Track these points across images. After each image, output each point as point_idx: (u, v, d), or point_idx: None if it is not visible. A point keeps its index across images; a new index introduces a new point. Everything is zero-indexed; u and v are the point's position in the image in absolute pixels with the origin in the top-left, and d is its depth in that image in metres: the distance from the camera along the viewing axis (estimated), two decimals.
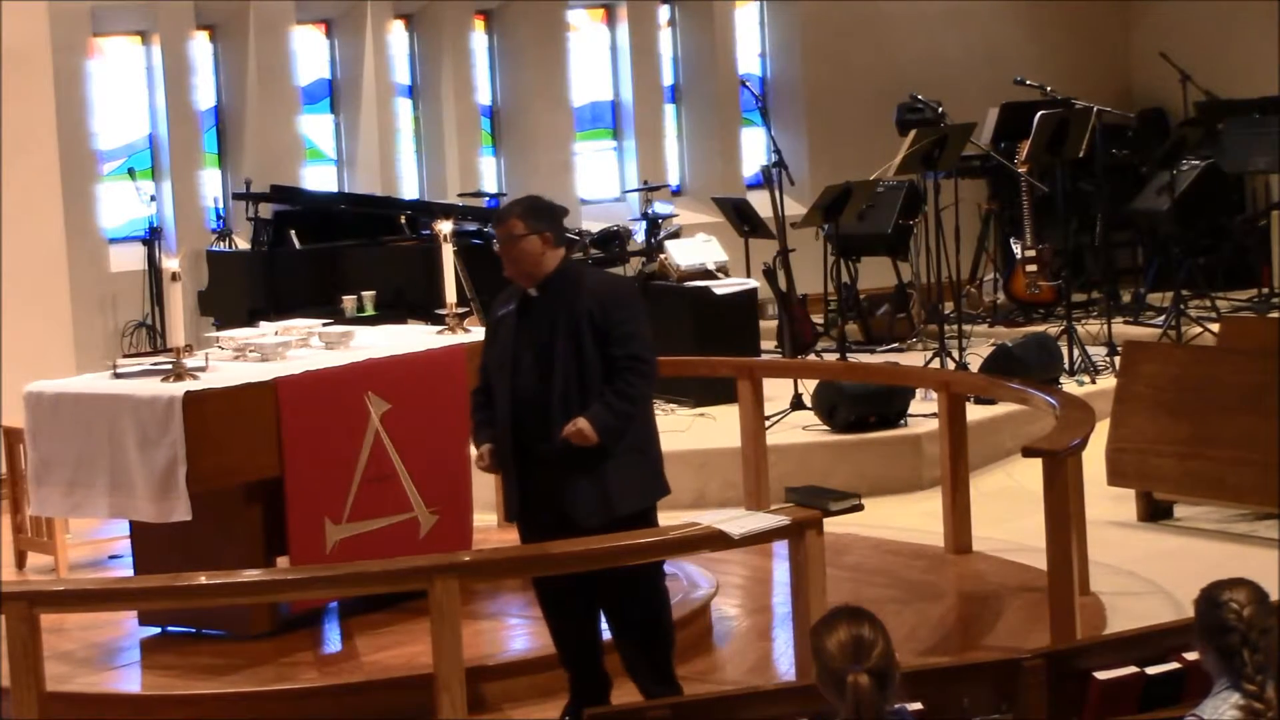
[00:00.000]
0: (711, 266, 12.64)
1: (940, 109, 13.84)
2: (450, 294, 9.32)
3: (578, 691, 7.32)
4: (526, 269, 7.06)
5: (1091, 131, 13.11)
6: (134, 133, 13.85)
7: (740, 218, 13.27)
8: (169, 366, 8.18)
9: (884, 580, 9.33)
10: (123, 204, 13.63)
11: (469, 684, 6.90)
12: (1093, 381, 12.39)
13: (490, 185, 14.87)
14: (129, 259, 13.44)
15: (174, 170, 13.75)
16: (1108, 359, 12.76)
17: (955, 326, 12.78)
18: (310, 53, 14.49)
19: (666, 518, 7.46)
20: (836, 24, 15.99)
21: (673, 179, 15.81)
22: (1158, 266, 14.67)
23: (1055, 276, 14.12)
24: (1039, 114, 13.05)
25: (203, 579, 7.09)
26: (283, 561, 8.26)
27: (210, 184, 14.00)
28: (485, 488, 10.04)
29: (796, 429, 11.41)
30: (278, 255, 12.69)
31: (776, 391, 11.52)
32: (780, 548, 8.77)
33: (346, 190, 14.31)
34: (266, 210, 13.08)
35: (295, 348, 8.85)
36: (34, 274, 12.11)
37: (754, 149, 16.02)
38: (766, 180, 13.49)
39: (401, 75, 14.80)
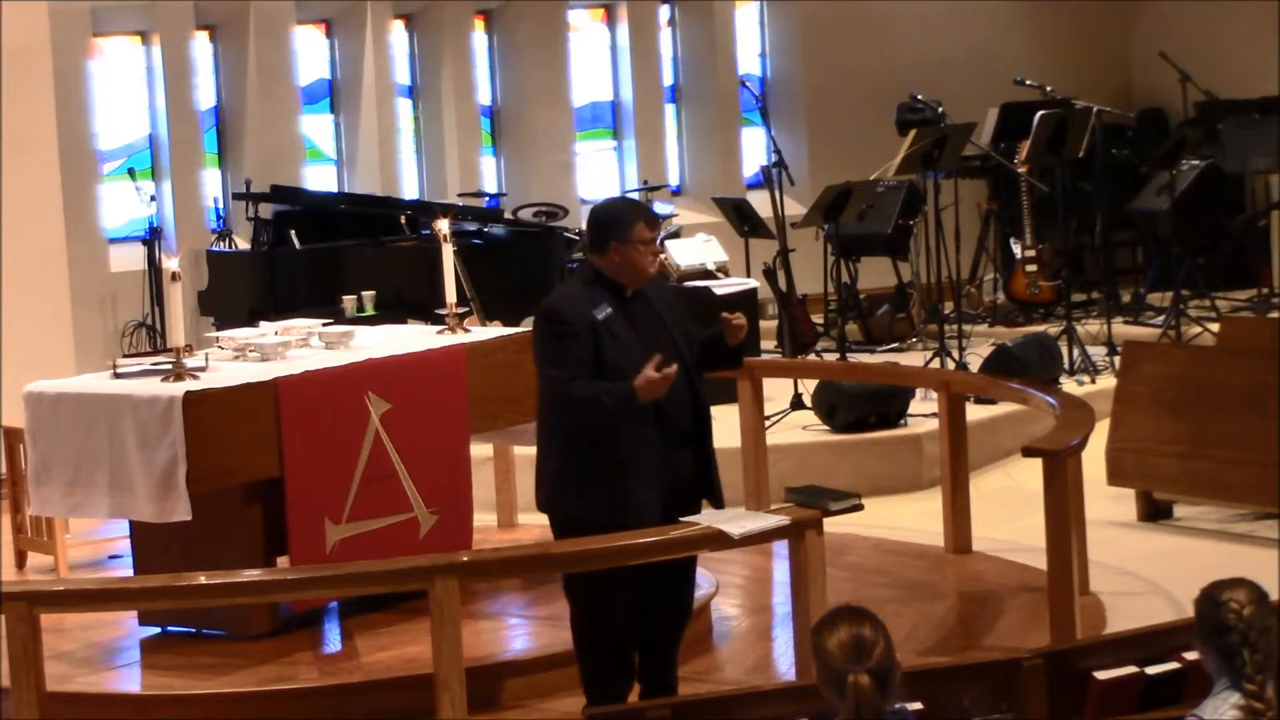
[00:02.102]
0: (711, 266, 12.65)
1: (940, 109, 13.84)
2: (450, 294, 9.32)
3: (612, 686, 7.27)
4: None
5: (1091, 131, 13.12)
6: (134, 133, 13.85)
7: (740, 218, 13.27)
8: (169, 366, 8.18)
9: (884, 580, 9.33)
10: (123, 204, 13.63)
11: (469, 684, 6.90)
12: (1093, 381, 12.39)
13: (490, 185, 14.87)
14: (129, 259, 13.44)
15: (174, 170, 13.76)
16: (1108, 359, 12.76)
17: (955, 326, 12.79)
18: (310, 53, 14.49)
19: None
20: (836, 24, 15.99)
21: (673, 179, 15.81)
22: (1158, 266, 14.66)
23: (1055, 276, 14.13)
24: (1039, 114, 13.05)
25: (203, 579, 7.09)
26: (283, 561, 8.26)
27: (210, 184, 14.00)
28: (485, 488, 10.05)
29: (796, 429, 11.41)
30: (278, 255, 12.69)
31: (776, 391, 11.53)
32: (780, 548, 8.78)
33: (346, 190, 14.31)
34: (267, 210, 13.07)
35: (295, 348, 8.85)
36: (34, 274, 12.10)
37: (754, 149, 16.02)
38: (766, 180, 13.49)
39: (401, 75, 14.80)
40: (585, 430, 6.98)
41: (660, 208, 14.07)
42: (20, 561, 10.06)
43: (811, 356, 12.88)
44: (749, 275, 12.92)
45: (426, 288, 11.64)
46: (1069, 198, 14.16)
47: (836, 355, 12.60)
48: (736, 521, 7.11)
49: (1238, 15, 15.95)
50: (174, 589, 7.23)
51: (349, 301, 12.13)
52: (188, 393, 7.93)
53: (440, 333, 9.27)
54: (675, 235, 13.56)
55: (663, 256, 12.76)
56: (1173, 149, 13.64)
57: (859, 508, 7.48)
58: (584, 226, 7.35)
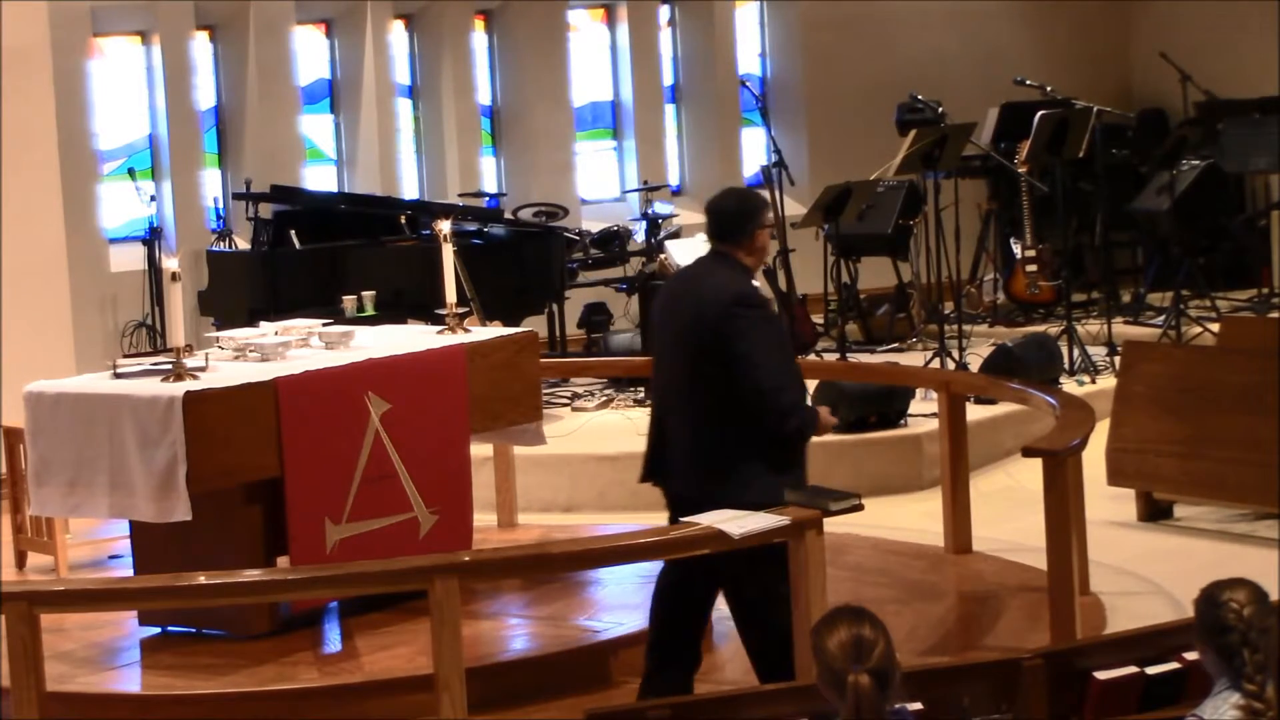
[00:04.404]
0: None
1: (940, 109, 13.84)
2: (450, 294, 9.32)
3: (662, 679, 7.35)
4: None
5: (1091, 131, 13.11)
6: (134, 133, 13.85)
7: None
8: (169, 366, 8.18)
9: (884, 580, 9.33)
10: (123, 204, 13.63)
11: (469, 684, 6.90)
12: (1093, 381, 12.39)
13: (490, 185, 14.87)
14: (129, 259, 13.44)
15: (174, 170, 13.76)
16: (1108, 359, 12.76)
17: (955, 326, 12.78)
18: (310, 53, 14.49)
19: (667, 518, 7.47)
20: (836, 24, 15.98)
21: (673, 179, 15.81)
22: (1158, 266, 14.66)
23: (1055, 276, 14.13)
24: (1039, 114, 13.05)
25: (203, 579, 7.10)
26: (283, 561, 8.26)
27: (210, 184, 14.00)
28: (485, 488, 10.05)
29: None
30: (278, 255, 12.69)
31: None
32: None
33: (346, 190, 14.31)
34: (266, 210, 13.07)
35: (295, 348, 8.85)
36: (34, 274, 12.10)
37: (754, 149, 16.01)
38: (766, 180, 13.49)
39: (401, 75, 14.80)
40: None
41: (660, 208, 14.07)
42: (20, 561, 10.06)
43: (811, 356, 12.88)
44: None
45: (426, 288, 11.63)
46: (1069, 198, 14.16)
47: (836, 355, 12.60)
48: (736, 521, 7.11)
49: (1238, 15, 15.95)
50: (174, 589, 7.24)
51: (349, 301, 12.13)
52: (188, 393, 7.93)
53: (440, 333, 9.27)
54: (675, 235, 13.56)
55: (662, 256, 12.79)
56: (1173, 149, 13.64)
57: (859, 508, 7.48)
58: (712, 220, 7.41)
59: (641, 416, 11.87)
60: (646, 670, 7.42)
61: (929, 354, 12.63)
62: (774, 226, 7.45)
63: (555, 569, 8.42)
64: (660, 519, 7.46)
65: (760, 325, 7.19)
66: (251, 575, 7.47)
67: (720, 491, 7.22)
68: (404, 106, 14.81)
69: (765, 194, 13.32)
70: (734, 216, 7.34)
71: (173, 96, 13.70)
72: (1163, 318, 13.52)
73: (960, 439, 9.75)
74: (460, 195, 14.22)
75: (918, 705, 5.34)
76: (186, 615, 8.36)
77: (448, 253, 9.35)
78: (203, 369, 8.29)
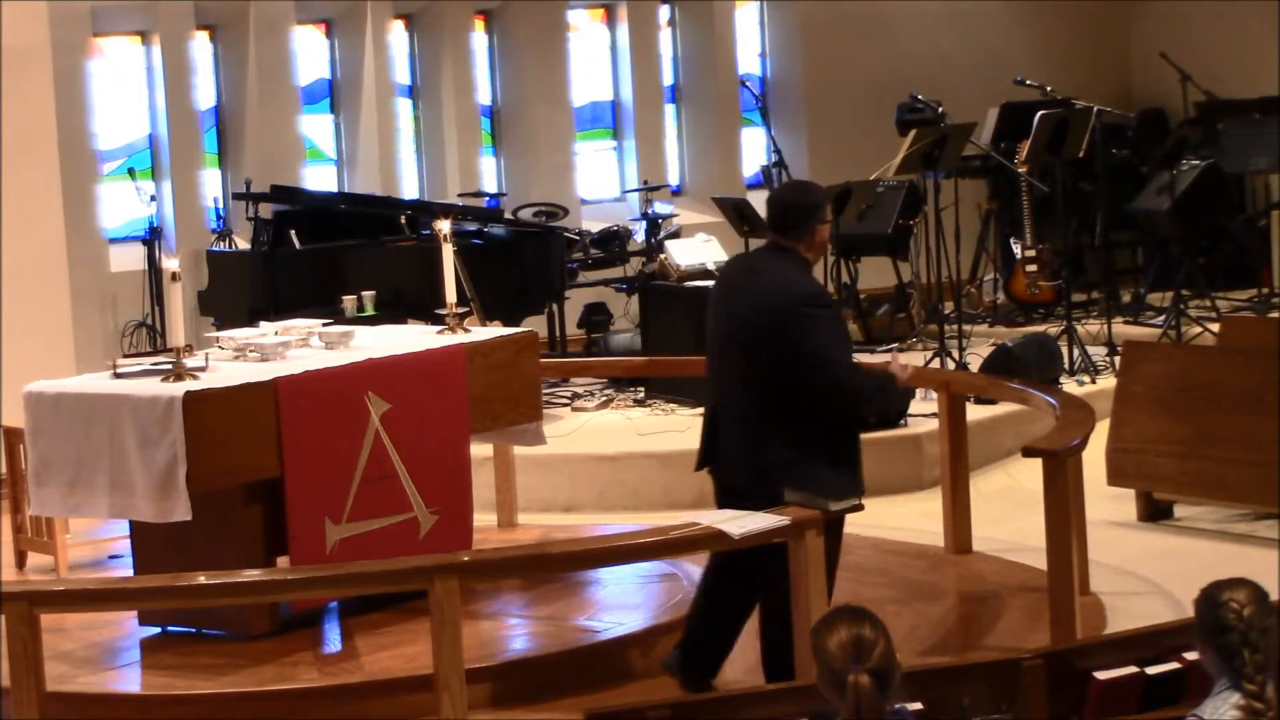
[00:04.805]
0: (711, 266, 12.63)
1: (940, 109, 13.84)
2: (450, 294, 9.32)
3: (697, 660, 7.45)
4: None
5: (1091, 131, 13.11)
6: (134, 133, 13.84)
7: (740, 218, 13.26)
8: (169, 366, 8.18)
9: (884, 580, 9.33)
10: (123, 204, 13.62)
11: (469, 684, 6.90)
12: (1093, 381, 12.39)
13: (490, 185, 14.87)
14: (129, 259, 13.44)
15: (174, 170, 13.75)
16: (1108, 359, 12.76)
17: (955, 326, 12.78)
18: (310, 53, 14.49)
19: (667, 518, 7.47)
20: (836, 24, 15.98)
21: (673, 179, 15.80)
22: (1158, 266, 14.66)
23: (1055, 276, 14.12)
24: (1039, 114, 13.05)
25: (203, 579, 7.10)
26: (283, 561, 8.26)
27: (210, 184, 14.00)
28: (485, 488, 10.05)
29: None
30: (278, 255, 12.69)
31: None
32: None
33: (346, 190, 14.31)
34: (267, 210, 13.07)
35: (295, 348, 8.85)
36: (34, 274, 12.10)
37: (754, 149, 16.01)
38: (766, 180, 13.50)
39: (401, 75, 14.80)
40: (839, 416, 7.33)
41: (660, 208, 14.07)
42: (20, 561, 10.06)
43: None
44: None
45: (426, 288, 11.63)
46: (1069, 198, 14.16)
47: None
48: (736, 521, 7.11)
49: (1238, 15, 15.95)
50: (174, 589, 7.24)
51: (349, 301, 12.13)
52: (188, 393, 7.93)
53: (440, 333, 9.27)
54: (675, 235, 13.56)
55: (662, 256, 12.79)
56: (1173, 149, 13.64)
57: (859, 508, 7.48)
58: (774, 212, 7.49)
59: (641, 416, 11.92)
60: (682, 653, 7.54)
61: (929, 354, 12.63)
62: (830, 220, 7.57)
63: (555, 569, 8.42)
64: (663, 518, 7.46)
65: (830, 322, 7.31)
66: (251, 575, 7.47)
67: (776, 486, 7.28)
68: (404, 106, 14.81)
69: (764, 195, 13.36)
70: (797, 210, 7.37)
71: (173, 96, 13.70)
72: (1163, 318, 13.52)
73: (960, 439, 9.75)
74: (460, 195, 14.22)
75: (918, 705, 5.34)
76: (186, 615, 8.35)
77: (448, 253, 9.35)
78: (203, 369, 8.29)
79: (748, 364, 7.28)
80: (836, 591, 7.56)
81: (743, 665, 8.10)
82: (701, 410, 11.82)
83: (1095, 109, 13.35)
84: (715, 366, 7.51)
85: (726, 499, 7.41)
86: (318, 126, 14.56)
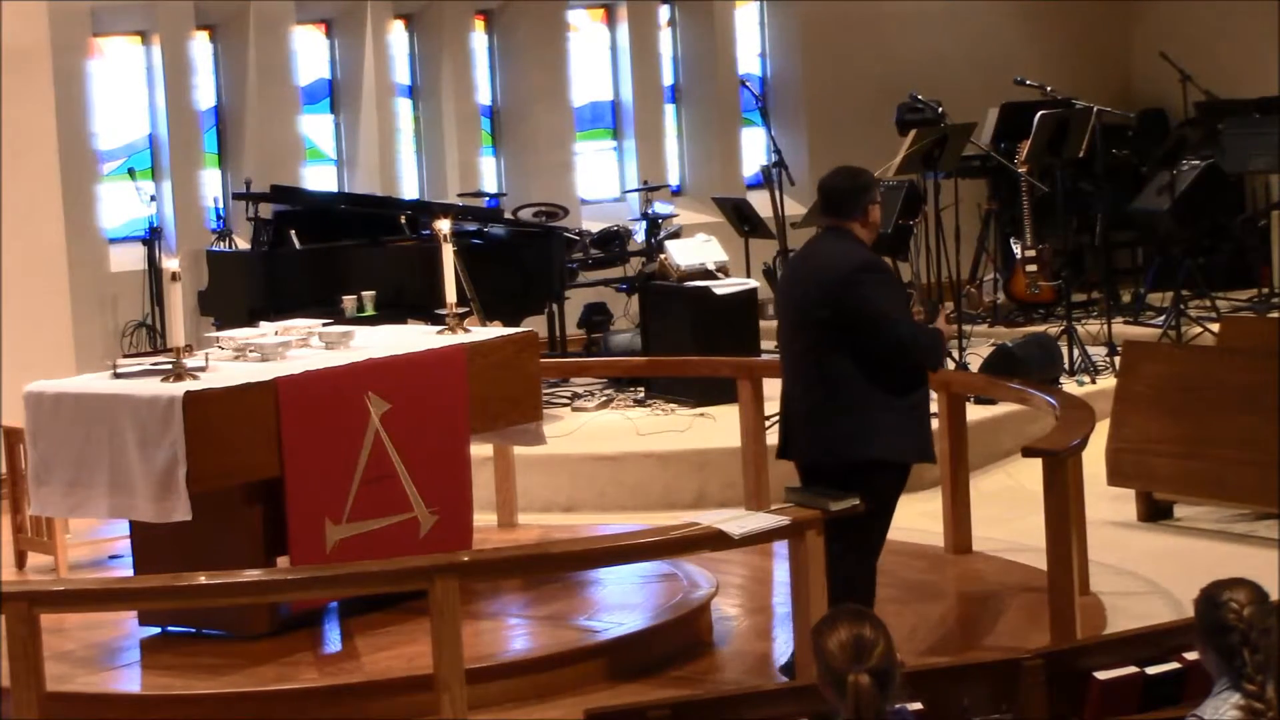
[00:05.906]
0: (711, 266, 12.64)
1: (940, 109, 13.84)
2: (450, 294, 9.32)
3: None
4: None
5: (1091, 131, 13.11)
6: (134, 133, 13.85)
7: (740, 218, 13.27)
8: (169, 366, 8.18)
9: (884, 580, 9.29)
10: (123, 204, 13.63)
11: (469, 684, 6.90)
12: (1093, 381, 12.39)
13: (490, 185, 14.87)
14: (129, 259, 13.44)
15: (174, 170, 13.76)
16: (1108, 359, 12.77)
17: (955, 326, 12.78)
18: (310, 53, 14.50)
19: (667, 518, 7.47)
20: (836, 24, 15.99)
21: (673, 179, 15.81)
22: (1158, 266, 14.67)
23: (1055, 276, 14.13)
24: (1039, 114, 13.05)
25: (203, 579, 7.10)
26: (283, 561, 8.26)
27: (210, 184, 14.00)
28: (485, 488, 10.05)
29: None
30: (278, 255, 12.69)
31: (776, 391, 11.48)
32: (780, 548, 8.77)
33: (346, 190, 14.31)
34: (266, 210, 13.07)
35: (295, 348, 8.84)
36: (34, 274, 12.10)
37: (754, 149, 16.02)
38: (766, 180, 13.49)
39: (401, 75, 14.80)
40: (904, 374, 7.47)
41: (660, 208, 14.07)
42: (20, 561, 10.06)
43: None
44: (749, 275, 12.92)
45: (426, 288, 11.64)
46: (1069, 198, 14.16)
47: None
48: (736, 521, 7.12)
49: (1238, 15, 15.95)
50: (174, 589, 7.24)
51: (349, 301, 12.13)
52: (188, 393, 7.93)
53: (440, 333, 9.27)
54: (675, 235, 13.56)
55: (662, 256, 12.78)
56: (1173, 149, 13.65)
57: (859, 507, 7.48)
58: (825, 197, 7.74)
59: (641, 416, 11.92)
60: None
61: None
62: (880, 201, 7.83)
63: (555, 569, 8.42)
64: (663, 518, 7.46)
65: (887, 286, 7.57)
66: (251, 575, 7.47)
67: (847, 451, 7.45)
68: (404, 106, 14.82)
69: (763, 195, 13.37)
70: (847, 193, 7.66)
71: (173, 96, 13.70)
72: (1163, 318, 13.53)
73: (960, 439, 9.75)
74: (460, 195, 14.22)
75: (918, 705, 5.34)
76: (186, 615, 8.35)
77: (448, 253, 9.35)
78: (203, 369, 8.29)
79: (814, 341, 7.52)
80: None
81: (742, 665, 8.11)
82: (698, 411, 11.97)
83: (1095, 109, 13.35)
84: (786, 353, 7.80)
85: (808, 480, 7.62)
86: (318, 126, 14.56)
